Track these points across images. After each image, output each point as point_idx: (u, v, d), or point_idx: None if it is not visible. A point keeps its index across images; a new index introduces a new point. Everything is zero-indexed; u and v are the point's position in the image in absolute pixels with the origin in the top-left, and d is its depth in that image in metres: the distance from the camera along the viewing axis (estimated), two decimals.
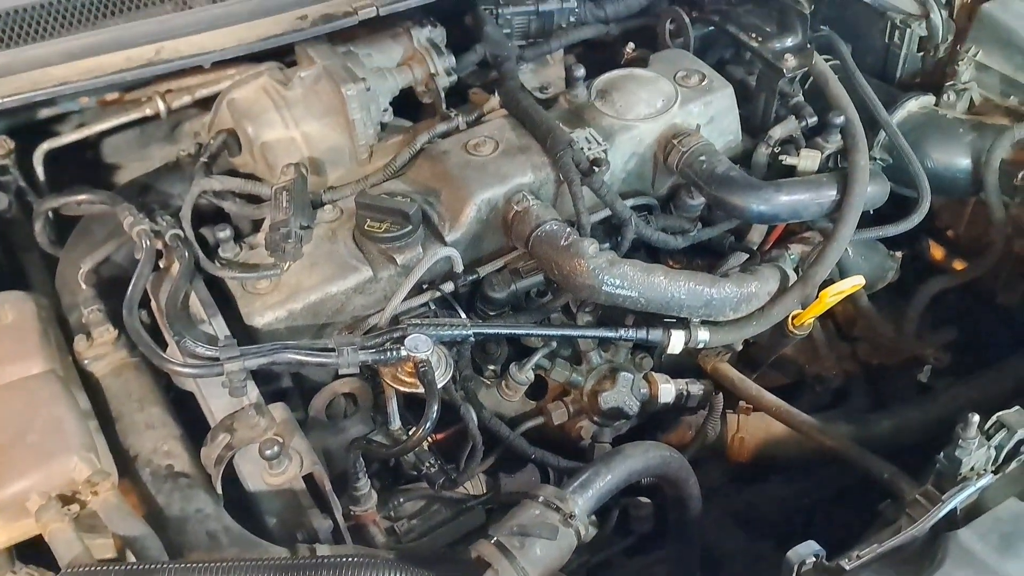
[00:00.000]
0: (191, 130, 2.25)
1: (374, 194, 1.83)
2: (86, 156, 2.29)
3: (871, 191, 1.95)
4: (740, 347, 2.05)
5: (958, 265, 2.31)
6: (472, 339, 1.74)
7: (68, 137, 2.11)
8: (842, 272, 2.06)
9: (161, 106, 2.13)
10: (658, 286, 1.76)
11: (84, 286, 1.77)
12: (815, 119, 2.09)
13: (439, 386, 1.68)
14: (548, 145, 1.88)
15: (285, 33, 1.86)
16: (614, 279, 1.75)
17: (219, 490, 1.59)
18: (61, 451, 1.50)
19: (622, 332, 1.82)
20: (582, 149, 1.88)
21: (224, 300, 1.79)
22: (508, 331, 1.77)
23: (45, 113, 2.12)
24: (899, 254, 2.20)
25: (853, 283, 1.82)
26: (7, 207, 1.96)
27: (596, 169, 1.86)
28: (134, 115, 2.15)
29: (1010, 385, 1.97)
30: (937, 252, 2.37)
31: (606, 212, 1.92)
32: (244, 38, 1.84)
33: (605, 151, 1.91)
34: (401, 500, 1.80)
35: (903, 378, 2.23)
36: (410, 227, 1.78)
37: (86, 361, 1.72)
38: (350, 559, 1.39)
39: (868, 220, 2.04)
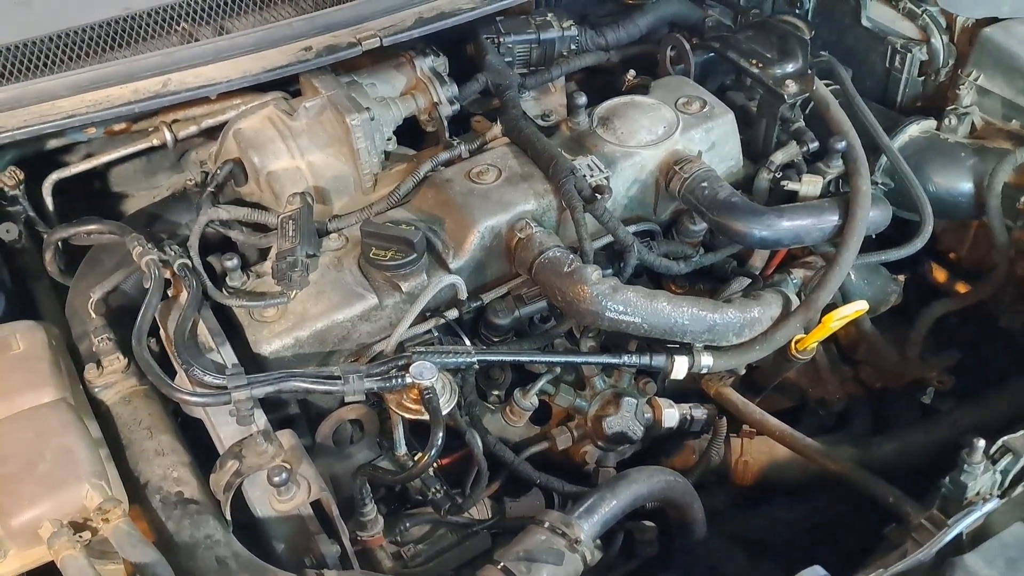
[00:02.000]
0: (197, 159, 2.27)
1: (379, 222, 1.85)
2: (94, 186, 2.31)
3: (873, 216, 1.96)
4: (743, 371, 2.06)
5: (961, 288, 2.32)
6: (476, 366, 1.75)
7: (76, 167, 2.12)
8: (845, 296, 2.08)
9: (168, 136, 2.14)
10: (661, 312, 1.78)
11: (94, 315, 1.79)
12: (816, 144, 2.11)
13: (444, 412, 1.70)
14: (551, 173, 1.90)
15: (290, 64, 1.88)
16: (617, 305, 1.76)
17: (228, 516, 1.60)
18: (72, 479, 1.52)
19: (625, 358, 1.83)
20: (584, 176, 1.89)
21: (232, 328, 1.80)
22: (512, 357, 1.79)
23: (53, 144, 2.14)
24: (902, 278, 2.21)
25: (856, 308, 1.83)
26: (17, 237, 1.98)
27: (598, 196, 1.87)
28: (141, 145, 2.16)
29: (1014, 408, 1.97)
30: (940, 275, 2.38)
31: (609, 238, 1.93)
32: (249, 69, 1.86)
33: (607, 178, 1.92)
34: (408, 525, 1.81)
35: (906, 401, 2.23)
36: (415, 255, 1.79)
37: (96, 389, 1.73)
38: None
39: (871, 244, 2.06)
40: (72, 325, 1.83)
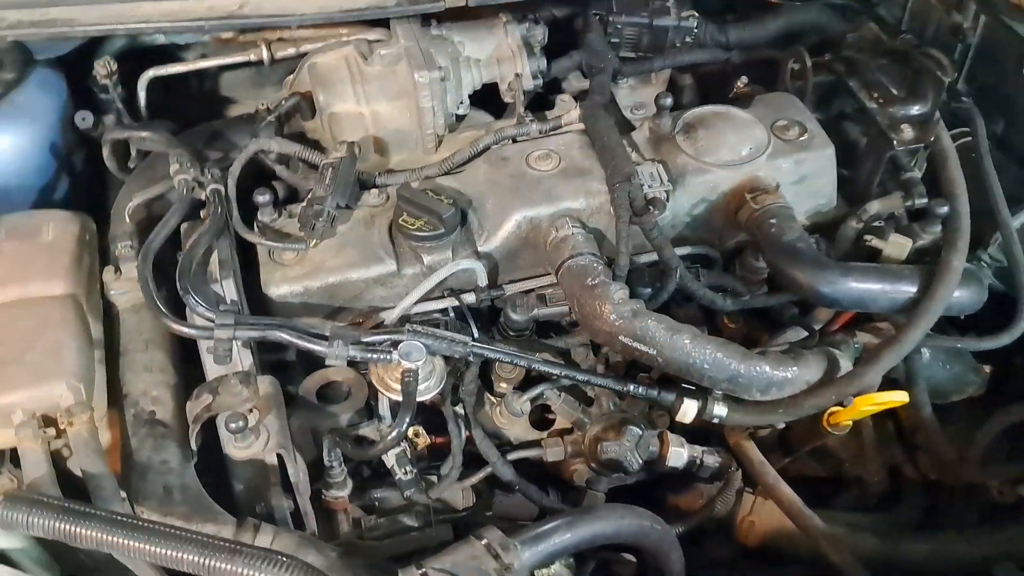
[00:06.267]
0: None
1: (417, 189, 1.78)
2: (205, 86, 2.37)
3: (959, 296, 1.73)
4: (782, 425, 1.89)
5: None
6: (471, 357, 1.68)
7: (173, 68, 2.16)
8: (909, 375, 1.85)
9: (265, 54, 2.14)
10: (681, 348, 1.64)
11: (128, 219, 1.83)
12: (924, 200, 1.87)
13: (425, 398, 1.65)
14: (608, 173, 1.78)
15: (368, 8, 1.83)
16: (635, 331, 1.64)
17: (194, 446, 1.62)
18: (53, 376, 1.56)
19: (631, 387, 1.71)
20: (641, 185, 1.76)
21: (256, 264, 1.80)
22: (508, 357, 1.69)
23: (162, 41, 2.19)
24: (988, 369, 1.96)
25: (894, 398, 1.63)
26: (92, 126, 2.03)
27: (651, 209, 1.74)
28: (239, 58, 2.18)
29: None
30: None
31: None
32: (326, 6, 1.83)
33: (667, 192, 1.78)
34: (377, 496, 1.79)
35: (966, 501, 2.00)
36: (442, 231, 1.73)
37: (112, 292, 1.77)
38: (264, 554, 1.37)
39: (961, 324, 1.84)
40: (112, 225, 1.87)
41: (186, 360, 1.73)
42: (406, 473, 1.72)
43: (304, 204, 1.77)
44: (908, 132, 1.84)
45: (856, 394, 1.69)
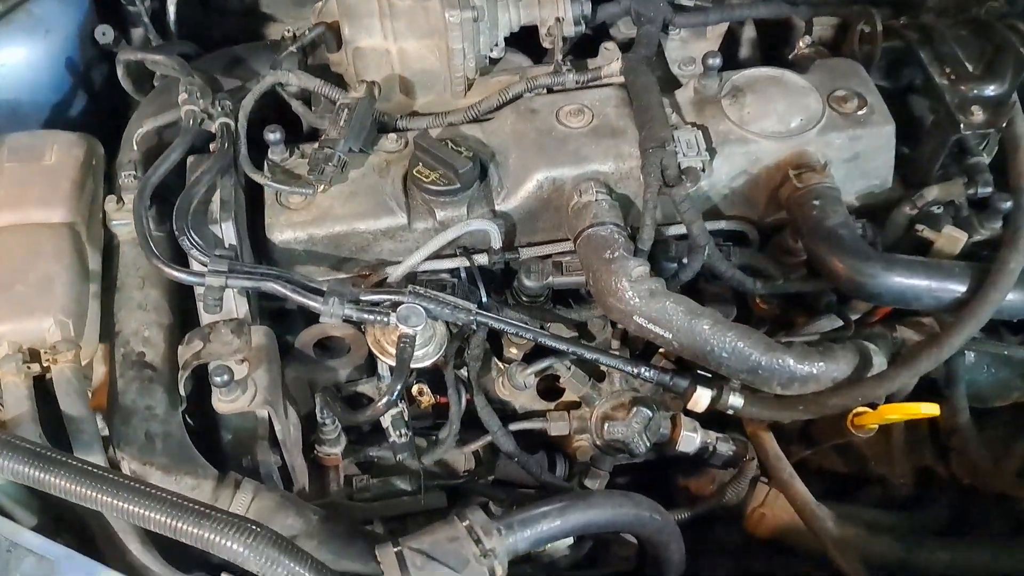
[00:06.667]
0: None
1: (435, 138, 1.67)
2: (244, 2, 2.26)
3: (1013, 299, 1.58)
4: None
5: None
6: (474, 327, 1.58)
7: None
8: (949, 377, 1.73)
9: None
10: (699, 334, 1.53)
11: (135, 147, 1.75)
12: (989, 190, 1.71)
13: (424, 364, 1.57)
14: (642, 136, 1.65)
15: None
16: (650, 312, 1.53)
17: (183, 392, 1.57)
18: (41, 310, 1.52)
19: (643, 369, 1.60)
20: (676, 152, 1.63)
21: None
22: (514, 328, 1.59)
23: None
24: None
25: (923, 410, 1.50)
26: (112, 41, 1.94)
27: (683, 179, 1.61)
28: None
29: None
30: None
31: None
32: None
33: (704, 163, 1.64)
34: (373, 453, 1.74)
35: (1002, 508, 1.88)
36: (457, 186, 1.62)
37: (113, 223, 1.70)
38: (233, 521, 1.32)
39: (1015, 327, 1.70)
40: (121, 151, 1.79)
41: (186, 298, 1.67)
42: (401, 436, 1.65)
43: (316, 145, 1.67)
44: (978, 114, 1.66)
45: (886, 398, 1.57)
